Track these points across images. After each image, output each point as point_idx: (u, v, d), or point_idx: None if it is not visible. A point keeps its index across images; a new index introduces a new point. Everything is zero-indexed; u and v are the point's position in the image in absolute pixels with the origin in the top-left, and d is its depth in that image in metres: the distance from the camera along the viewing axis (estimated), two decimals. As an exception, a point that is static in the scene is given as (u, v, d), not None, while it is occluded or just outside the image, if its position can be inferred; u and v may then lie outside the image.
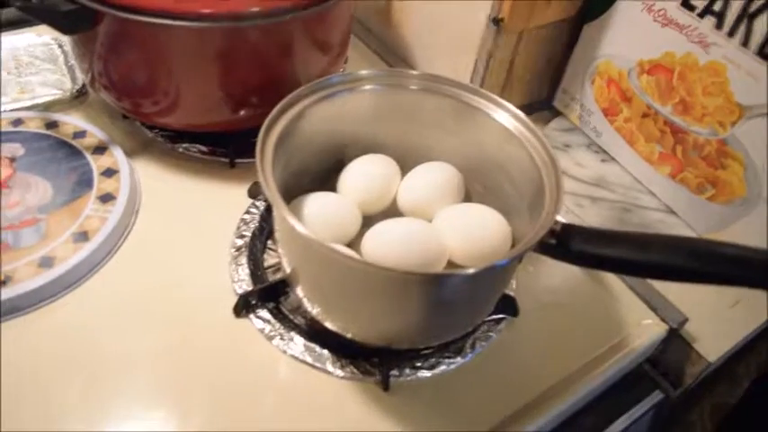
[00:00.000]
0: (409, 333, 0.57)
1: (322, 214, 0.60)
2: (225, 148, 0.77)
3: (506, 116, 0.61)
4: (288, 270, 0.58)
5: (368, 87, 0.63)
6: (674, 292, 0.70)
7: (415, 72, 0.63)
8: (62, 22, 0.65)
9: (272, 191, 0.51)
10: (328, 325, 0.58)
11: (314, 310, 0.58)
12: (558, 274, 0.71)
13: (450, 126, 0.65)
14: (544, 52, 0.89)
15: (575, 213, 0.79)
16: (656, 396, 0.68)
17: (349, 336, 0.57)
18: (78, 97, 0.82)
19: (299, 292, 0.58)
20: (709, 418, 0.86)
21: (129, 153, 0.75)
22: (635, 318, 0.68)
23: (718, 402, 0.85)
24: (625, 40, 0.81)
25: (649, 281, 0.70)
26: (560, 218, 0.52)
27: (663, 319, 0.68)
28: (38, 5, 0.65)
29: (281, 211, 0.50)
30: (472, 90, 0.62)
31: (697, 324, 0.69)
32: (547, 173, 0.57)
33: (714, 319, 0.70)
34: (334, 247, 0.49)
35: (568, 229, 0.53)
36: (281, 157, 0.56)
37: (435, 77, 0.62)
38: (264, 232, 0.70)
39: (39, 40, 0.89)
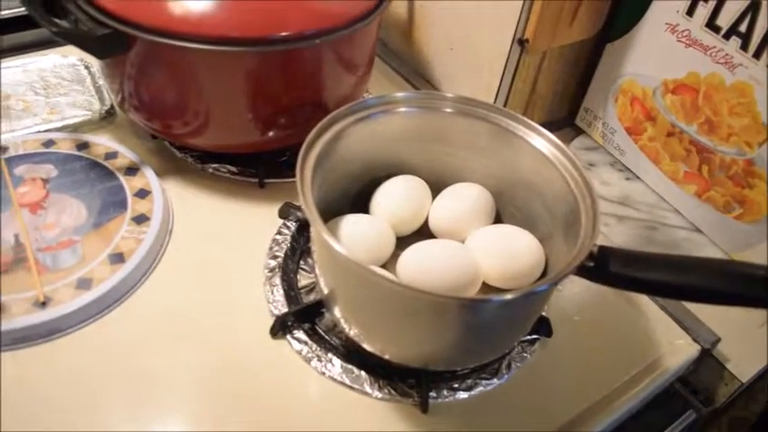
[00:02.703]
0: (448, 355, 0.57)
1: (358, 236, 0.61)
2: (254, 168, 0.78)
3: (539, 139, 0.61)
4: (325, 291, 0.58)
5: (402, 109, 0.63)
6: (704, 311, 0.70)
7: (449, 95, 0.63)
8: (97, 47, 0.65)
9: (312, 213, 0.51)
10: (366, 346, 0.58)
11: (351, 331, 0.58)
12: (588, 293, 0.71)
13: (482, 148, 0.65)
14: (566, 71, 0.90)
15: (602, 232, 0.79)
16: (690, 416, 0.69)
17: (386, 357, 0.58)
18: (106, 118, 0.83)
19: (337, 313, 0.58)
20: (727, 432, 0.86)
21: (159, 174, 0.75)
22: (667, 337, 0.69)
23: (735, 417, 0.85)
24: (649, 60, 0.82)
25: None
26: (594, 240, 0.53)
27: (695, 339, 0.68)
28: (73, 30, 0.65)
29: (321, 234, 0.50)
30: (505, 113, 0.63)
31: (728, 344, 0.69)
32: (581, 196, 0.57)
33: (744, 338, 0.70)
34: (376, 271, 0.50)
35: (605, 252, 0.53)
36: (317, 178, 0.56)
37: (469, 100, 0.63)
38: (297, 253, 0.70)
39: (65, 61, 0.90)
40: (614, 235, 0.80)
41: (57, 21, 0.65)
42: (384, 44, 1.03)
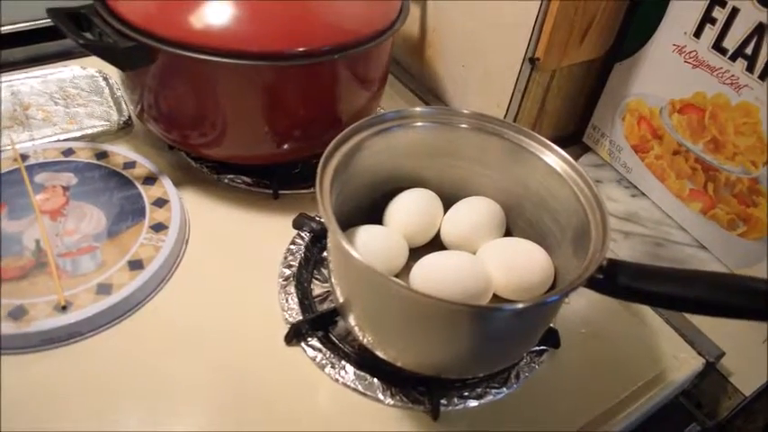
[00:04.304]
0: (459, 363, 0.58)
1: (373, 246, 0.62)
2: (268, 179, 0.80)
3: (551, 156, 0.63)
4: (341, 300, 0.60)
5: (419, 124, 0.65)
6: (708, 325, 0.71)
7: (465, 111, 0.65)
8: (122, 59, 0.67)
9: (332, 223, 0.53)
10: (379, 354, 0.59)
11: (365, 339, 0.59)
12: (594, 306, 0.73)
13: (494, 163, 0.67)
14: (574, 89, 0.92)
15: (609, 248, 0.81)
16: (694, 429, 0.70)
17: (399, 364, 0.59)
18: (124, 128, 0.85)
19: (351, 321, 0.59)
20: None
21: (176, 183, 0.77)
22: (672, 351, 0.70)
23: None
24: (656, 80, 0.84)
25: (685, 315, 0.72)
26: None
27: (699, 353, 0.70)
28: (98, 43, 0.67)
29: (341, 243, 0.51)
30: (518, 130, 0.64)
31: (732, 358, 0.70)
32: (591, 210, 0.59)
33: (748, 353, 0.71)
34: (395, 280, 0.51)
35: (614, 265, 0.54)
36: (335, 188, 0.58)
37: (484, 116, 0.65)
38: (310, 263, 0.72)
39: (84, 73, 0.92)
40: (621, 250, 0.81)
41: (82, 33, 0.67)
42: (396, 61, 1.05)
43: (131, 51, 0.66)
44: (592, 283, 0.54)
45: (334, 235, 0.52)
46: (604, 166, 0.94)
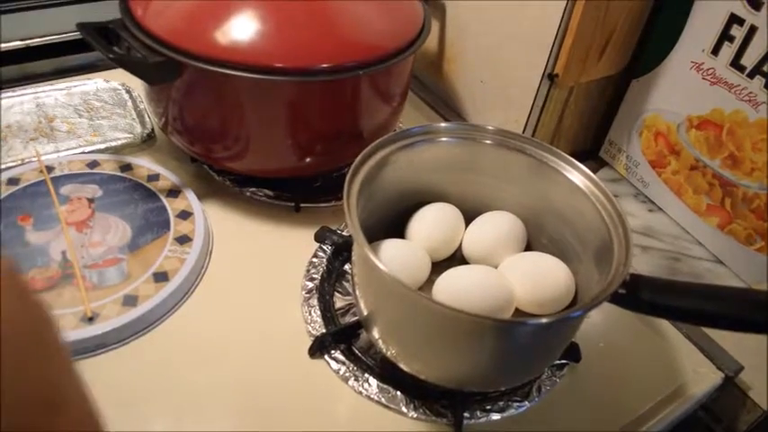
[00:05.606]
0: (482, 377, 0.59)
1: (397, 259, 0.63)
2: (290, 192, 0.81)
3: (573, 172, 0.63)
4: (365, 312, 0.60)
5: (443, 139, 0.66)
6: (727, 340, 0.72)
7: (489, 127, 0.66)
8: (150, 74, 0.69)
9: (359, 236, 0.54)
10: (403, 366, 0.60)
11: (389, 351, 0.60)
12: (612, 319, 0.73)
13: (516, 178, 0.68)
14: (592, 105, 0.93)
15: (628, 263, 0.81)
16: (713, 444, 0.70)
17: (422, 377, 0.59)
18: (147, 141, 0.86)
19: (375, 333, 0.60)
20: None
21: (199, 196, 0.78)
22: (691, 365, 0.70)
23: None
24: (673, 96, 0.84)
25: (704, 329, 0.72)
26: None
27: (718, 367, 0.70)
28: (127, 57, 0.68)
29: (369, 256, 0.52)
30: (541, 146, 0.65)
31: (750, 372, 0.71)
32: (613, 226, 0.59)
33: (767, 367, 0.72)
34: (421, 293, 0.52)
35: (637, 280, 0.55)
36: (360, 203, 0.59)
37: (508, 133, 0.66)
38: (333, 276, 0.72)
39: (107, 86, 0.93)
40: (638, 265, 0.82)
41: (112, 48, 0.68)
42: (415, 76, 1.05)
43: (160, 66, 0.67)
44: (615, 299, 0.54)
45: (362, 248, 0.53)
46: (621, 180, 0.94)
